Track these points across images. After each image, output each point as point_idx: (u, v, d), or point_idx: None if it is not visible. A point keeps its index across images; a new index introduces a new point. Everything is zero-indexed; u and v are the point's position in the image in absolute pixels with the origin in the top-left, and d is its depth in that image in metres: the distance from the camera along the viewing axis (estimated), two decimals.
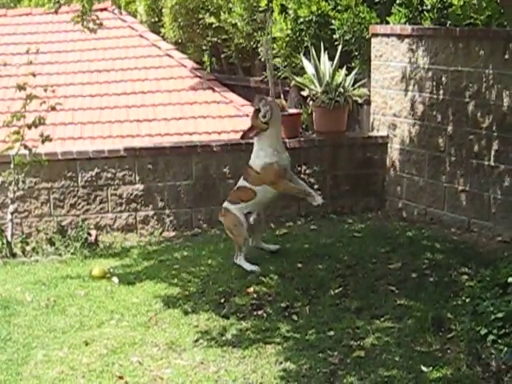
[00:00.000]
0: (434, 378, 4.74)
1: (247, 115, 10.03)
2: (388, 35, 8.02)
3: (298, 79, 8.44)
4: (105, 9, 11.79)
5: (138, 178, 7.95)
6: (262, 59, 9.80)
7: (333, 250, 6.79)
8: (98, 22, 7.40)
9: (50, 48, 11.28)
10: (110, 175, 7.90)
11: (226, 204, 6.69)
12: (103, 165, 7.90)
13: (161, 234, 8.00)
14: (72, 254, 7.44)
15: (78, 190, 7.89)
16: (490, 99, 7.01)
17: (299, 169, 7.98)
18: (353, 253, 6.72)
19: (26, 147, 7.54)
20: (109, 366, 5.12)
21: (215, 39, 11.23)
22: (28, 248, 7.60)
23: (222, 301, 6.00)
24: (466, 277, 6.04)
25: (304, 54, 8.54)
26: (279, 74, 9.20)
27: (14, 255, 7.45)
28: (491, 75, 6.99)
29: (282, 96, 8.45)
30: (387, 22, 8.17)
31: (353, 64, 8.54)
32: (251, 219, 6.59)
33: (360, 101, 8.42)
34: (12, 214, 7.58)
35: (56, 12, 7.68)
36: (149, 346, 5.40)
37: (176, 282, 6.49)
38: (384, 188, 8.25)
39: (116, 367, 5.10)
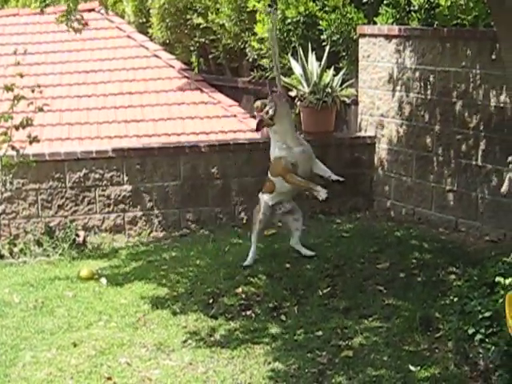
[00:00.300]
0: (422, 378, 4.76)
1: (235, 116, 10.05)
2: (375, 36, 8.04)
3: (286, 80, 8.44)
4: (92, 9, 11.73)
5: (126, 179, 7.93)
6: (251, 59, 9.82)
7: (321, 250, 6.79)
8: (82, 21, 7.36)
9: (37, 49, 11.21)
10: (97, 176, 7.88)
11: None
12: (91, 165, 7.87)
13: (149, 234, 7.98)
14: (60, 255, 7.42)
15: (65, 191, 7.87)
16: (477, 99, 7.03)
17: None
18: (341, 253, 6.73)
19: (13, 148, 7.49)
20: (97, 367, 5.12)
21: (203, 40, 11.20)
22: (16, 249, 7.57)
23: (211, 301, 6.00)
24: (453, 276, 6.07)
25: (292, 55, 8.55)
26: (267, 74, 9.20)
27: (1, 257, 7.43)
28: (478, 75, 7.01)
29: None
30: (375, 23, 8.18)
31: (340, 64, 8.53)
32: (280, 212, 6.68)
33: (348, 101, 8.43)
34: None
35: (42, 11, 7.66)
36: (137, 346, 5.39)
37: (164, 282, 6.48)
38: (372, 188, 8.26)
39: (104, 368, 5.10)
